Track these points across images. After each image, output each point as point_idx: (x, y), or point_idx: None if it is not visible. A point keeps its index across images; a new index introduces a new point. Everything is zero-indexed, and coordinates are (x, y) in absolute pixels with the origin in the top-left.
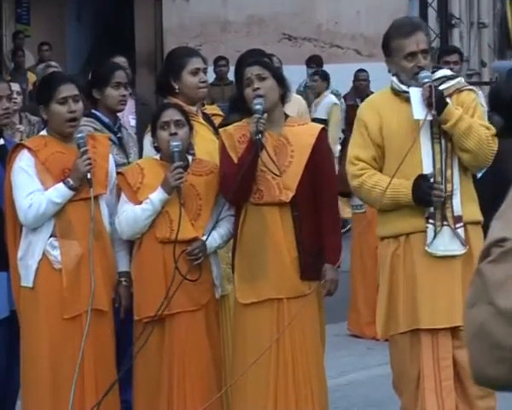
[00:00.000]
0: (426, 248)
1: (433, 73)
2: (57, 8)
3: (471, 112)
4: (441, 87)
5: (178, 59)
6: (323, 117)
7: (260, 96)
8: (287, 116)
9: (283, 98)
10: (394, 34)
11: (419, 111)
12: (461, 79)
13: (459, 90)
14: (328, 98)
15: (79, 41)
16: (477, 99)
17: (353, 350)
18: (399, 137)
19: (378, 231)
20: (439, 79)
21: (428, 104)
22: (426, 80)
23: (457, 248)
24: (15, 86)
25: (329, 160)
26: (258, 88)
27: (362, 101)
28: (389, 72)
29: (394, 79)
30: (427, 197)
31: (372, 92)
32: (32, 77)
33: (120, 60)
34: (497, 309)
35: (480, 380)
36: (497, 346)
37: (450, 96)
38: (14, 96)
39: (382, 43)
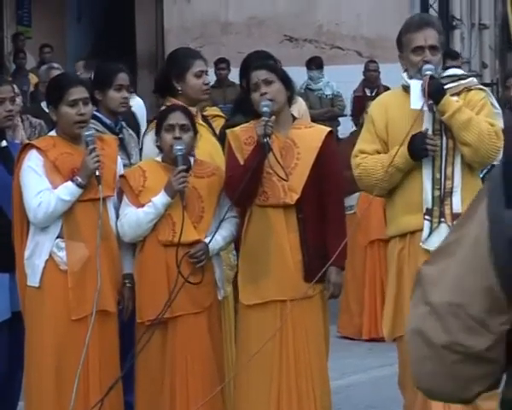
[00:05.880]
0: (421, 244)
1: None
2: (58, 10)
3: (477, 110)
4: (450, 85)
5: (182, 60)
6: None
7: (268, 100)
8: (294, 118)
9: (290, 100)
10: (405, 29)
11: (416, 101)
12: (472, 79)
13: (468, 89)
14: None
15: (80, 42)
16: (487, 99)
17: (354, 352)
18: (404, 131)
19: (386, 232)
20: (450, 76)
21: (427, 95)
22: (428, 72)
23: None
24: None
25: (336, 163)
26: (265, 93)
27: (371, 92)
28: (405, 71)
29: (404, 74)
30: (421, 147)
31: (384, 86)
32: (33, 78)
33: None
34: (431, 307)
35: (418, 379)
36: (431, 344)
37: (458, 94)
38: None
39: (396, 39)
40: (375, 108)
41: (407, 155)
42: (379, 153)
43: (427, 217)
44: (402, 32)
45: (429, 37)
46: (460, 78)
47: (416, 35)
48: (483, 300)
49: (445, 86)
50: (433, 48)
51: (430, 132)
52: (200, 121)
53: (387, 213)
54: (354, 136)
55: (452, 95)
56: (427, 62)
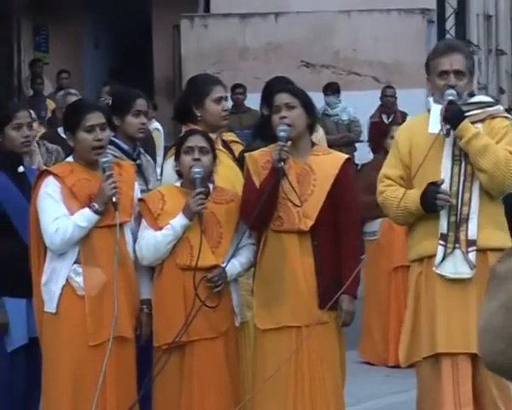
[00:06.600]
0: (434, 268)
1: (470, 96)
2: (75, 36)
3: (499, 137)
4: (475, 112)
5: (202, 86)
6: None
7: (287, 125)
8: (313, 144)
9: (311, 127)
10: (433, 53)
11: (434, 125)
12: (499, 107)
13: (493, 117)
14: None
15: (97, 68)
16: (510, 127)
17: (371, 378)
18: (424, 155)
19: (408, 255)
20: (476, 103)
21: (444, 119)
22: (449, 97)
23: (466, 272)
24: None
25: (353, 190)
26: (285, 117)
27: (388, 117)
28: (432, 95)
29: (430, 99)
30: (432, 201)
31: (401, 111)
32: (51, 104)
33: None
34: (499, 303)
35: (490, 368)
36: (497, 337)
37: (482, 121)
38: None
39: (425, 63)
40: (401, 132)
41: (419, 204)
42: (402, 178)
43: (441, 242)
44: (430, 56)
45: (455, 61)
46: (488, 105)
47: (442, 59)
48: None
49: (470, 113)
50: (458, 72)
51: (446, 182)
52: (220, 147)
53: (409, 237)
54: (378, 160)
55: (476, 122)
56: (451, 87)
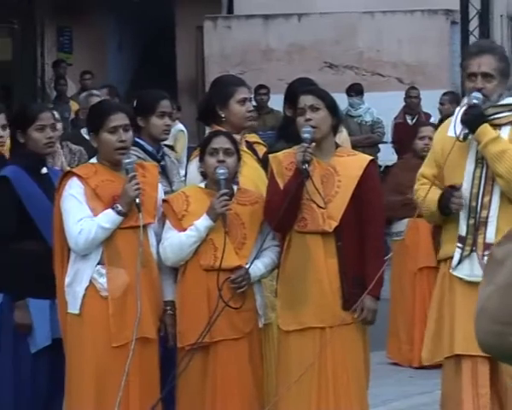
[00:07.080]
0: (451, 270)
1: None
2: (99, 37)
3: None
4: (503, 114)
5: (226, 87)
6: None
7: (312, 127)
8: (337, 146)
9: (335, 128)
10: (465, 55)
11: (453, 128)
12: None
13: None
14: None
15: (121, 69)
16: None
17: (395, 379)
18: (454, 156)
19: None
20: (506, 105)
21: (461, 122)
22: (474, 101)
23: (480, 275)
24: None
25: (377, 192)
26: (309, 119)
27: (412, 118)
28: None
29: (465, 99)
30: (447, 203)
31: (425, 112)
32: (74, 105)
33: None
34: (496, 286)
35: (486, 351)
36: (493, 320)
37: (511, 123)
38: None
39: (460, 63)
40: (437, 132)
41: (437, 206)
42: (436, 177)
43: (458, 244)
44: (463, 57)
45: (483, 64)
46: None
47: (471, 61)
48: None
49: (498, 115)
50: (486, 75)
51: (468, 185)
52: (244, 148)
53: (440, 238)
54: (406, 160)
55: (505, 124)
56: (478, 90)
